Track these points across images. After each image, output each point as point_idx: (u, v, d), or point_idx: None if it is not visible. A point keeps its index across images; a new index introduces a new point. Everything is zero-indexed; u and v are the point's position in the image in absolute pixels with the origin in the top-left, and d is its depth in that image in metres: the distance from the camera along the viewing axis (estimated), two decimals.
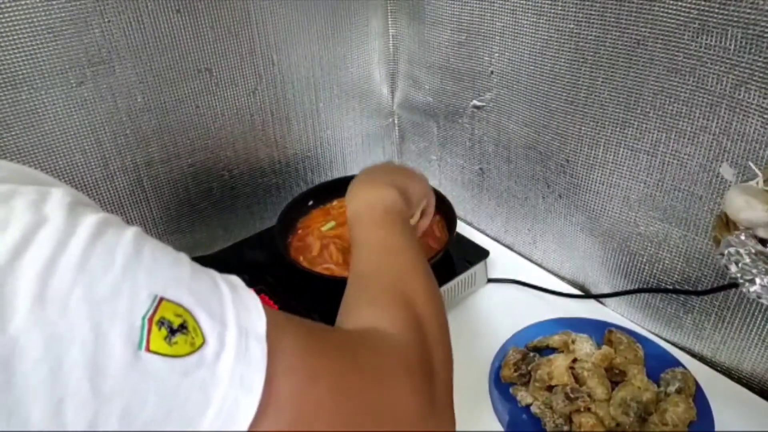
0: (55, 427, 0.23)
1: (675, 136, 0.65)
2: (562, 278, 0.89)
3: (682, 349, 0.75)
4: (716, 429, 0.62)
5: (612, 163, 0.73)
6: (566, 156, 0.79)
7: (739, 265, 0.50)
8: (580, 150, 0.76)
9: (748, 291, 0.50)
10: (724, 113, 0.60)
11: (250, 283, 0.33)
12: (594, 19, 0.67)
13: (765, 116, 0.56)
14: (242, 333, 0.29)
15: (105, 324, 0.25)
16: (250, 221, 0.95)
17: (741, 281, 0.51)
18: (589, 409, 0.64)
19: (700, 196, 0.66)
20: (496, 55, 0.82)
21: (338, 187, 0.87)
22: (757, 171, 0.54)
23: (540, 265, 0.93)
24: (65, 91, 0.69)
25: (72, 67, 0.68)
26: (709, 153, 0.63)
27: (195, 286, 0.29)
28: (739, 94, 0.58)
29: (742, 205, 0.50)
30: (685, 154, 0.65)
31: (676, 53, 0.61)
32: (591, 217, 0.80)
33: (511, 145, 0.87)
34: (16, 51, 0.64)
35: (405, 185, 0.61)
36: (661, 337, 0.77)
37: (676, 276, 0.72)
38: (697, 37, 0.59)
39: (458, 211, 0.86)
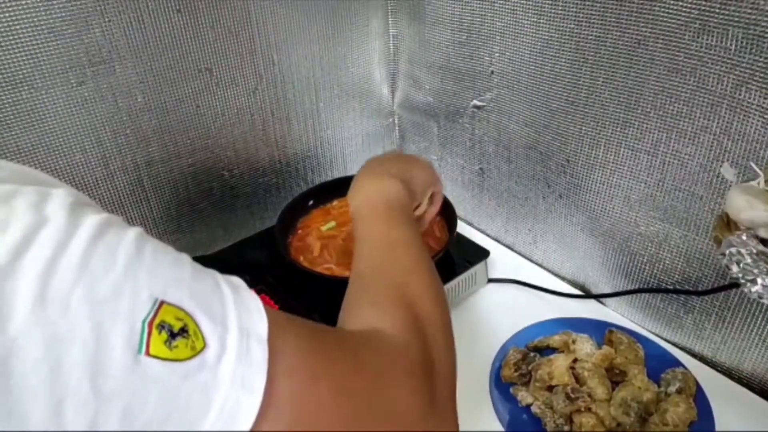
0: (55, 427, 0.23)
1: (676, 136, 0.65)
2: (563, 278, 0.89)
3: (682, 349, 0.75)
4: (717, 429, 0.62)
5: (612, 163, 0.73)
6: (567, 156, 0.79)
7: (741, 265, 0.50)
8: (581, 150, 0.76)
9: (750, 291, 0.50)
10: (725, 113, 0.60)
11: (250, 284, 0.33)
12: (594, 19, 0.67)
13: (766, 116, 0.56)
14: (243, 334, 0.29)
15: (106, 324, 0.25)
16: (250, 221, 0.95)
17: (742, 281, 0.51)
18: (589, 409, 0.64)
19: (700, 196, 0.65)
20: (497, 54, 0.82)
21: (338, 187, 0.87)
22: (758, 171, 0.54)
23: (540, 265, 0.93)
24: (66, 90, 0.69)
25: (72, 67, 0.68)
26: (710, 153, 0.63)
27: (196, 287, 0.29)
28: (740, 94, 0.58)
29: (743, 205, 0.50)
30: (685, 154, 0.65)
31: (677, 53, 0.61)
32: (591, 217, 0.80)
33: (512, 145, 0.87)
34: (16, 51, 0.64)
35: (409, 175, 0.60)
36: (661, 337, 0.76)
37: (676, 276, 0.72)
38: (698, 37, 0.59)
39: (458, 211, 0.86)
